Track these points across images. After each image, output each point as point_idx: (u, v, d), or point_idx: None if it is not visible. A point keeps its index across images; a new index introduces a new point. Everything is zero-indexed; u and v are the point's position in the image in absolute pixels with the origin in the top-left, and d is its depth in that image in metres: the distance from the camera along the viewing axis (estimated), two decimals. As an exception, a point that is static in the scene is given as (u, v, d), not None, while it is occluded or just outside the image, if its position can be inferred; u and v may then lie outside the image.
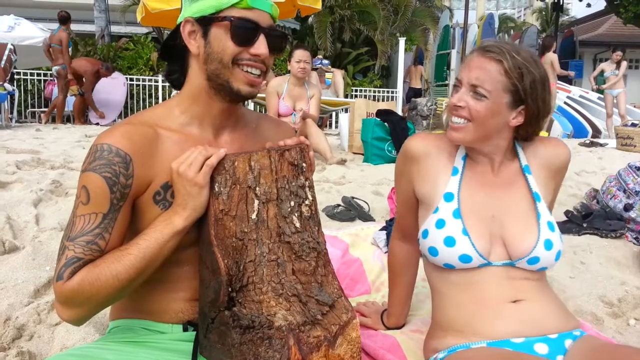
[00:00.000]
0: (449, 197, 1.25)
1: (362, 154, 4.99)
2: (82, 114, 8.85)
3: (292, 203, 1.08)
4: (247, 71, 1.07)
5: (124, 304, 1.16)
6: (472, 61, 1.19)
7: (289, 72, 4.78)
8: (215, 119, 1.14)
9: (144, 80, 9.86)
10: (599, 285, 2.13)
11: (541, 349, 1.15)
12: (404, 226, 1.43)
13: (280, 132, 1.26)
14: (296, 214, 1.08)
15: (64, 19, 8.33)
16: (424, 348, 1.33)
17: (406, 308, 1.57)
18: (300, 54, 4.61)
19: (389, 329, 1.56)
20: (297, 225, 1.07)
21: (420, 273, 1.61)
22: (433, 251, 1.24)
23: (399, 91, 10.90)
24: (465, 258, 1.20)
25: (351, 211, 2.89)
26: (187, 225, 1.03)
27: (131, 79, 9.77)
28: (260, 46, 1.06)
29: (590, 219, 2.72)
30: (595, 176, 4.20)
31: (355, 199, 3.02)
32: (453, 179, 1.27)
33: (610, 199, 2.85)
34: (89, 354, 1.04)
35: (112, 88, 9.22)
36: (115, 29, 12.66)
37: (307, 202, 1.09)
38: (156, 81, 9.84)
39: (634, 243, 2.62)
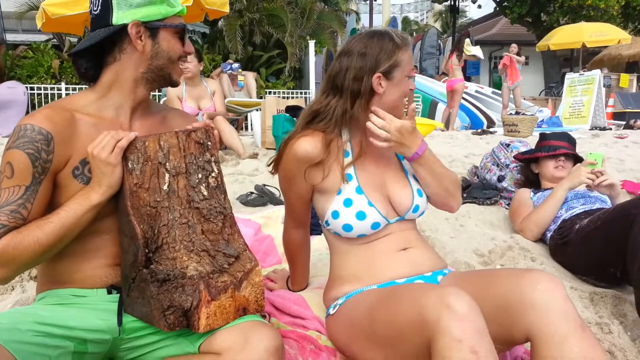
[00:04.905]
0: (348, 177, 1.41)
1: (275, 149, 5.22)
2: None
3: (200, 175, 1.24)
4: (180, 66, 1.34)
5: (49, 277, 1.27)
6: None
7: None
8: (133, 105, 1.31)
9: (45, 88, 9.35)
10: (474, 241, 2.48)
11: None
12: (298, 217, 1.57)
13: (187, 123, 1.42)
14: (204, 185, 1.25)
15: None
16: (323, 299, 1.53)
17: (307, 276, 1.78)
18: None
19: (294, 292, 1.77)
20: (205, 193, 1.24)
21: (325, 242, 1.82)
22: (348, 227, 1.39)
23: (312, 92, 11.23)
24: (375, 225, 1.40)
25: (263, 197, 3.09)
26: (103, 200, 1.18)
27: (32, 88, 9.23)
28: (190, 45, 1.34)
29: (469, 190, 3.13)
30: (480, 158, 4.69)
31: (267, 187, 3.22)
32: (346, 160, 1.43)
33: (487, 172, 3.29)
34: (23, 311, 1.17)
35: (10, 97, 8.70)
36: (11, 37, 11.94)
37: (213, 174, 1.26)
38: (59, 89, 9.38)
39: (506, 208, 3.05)
